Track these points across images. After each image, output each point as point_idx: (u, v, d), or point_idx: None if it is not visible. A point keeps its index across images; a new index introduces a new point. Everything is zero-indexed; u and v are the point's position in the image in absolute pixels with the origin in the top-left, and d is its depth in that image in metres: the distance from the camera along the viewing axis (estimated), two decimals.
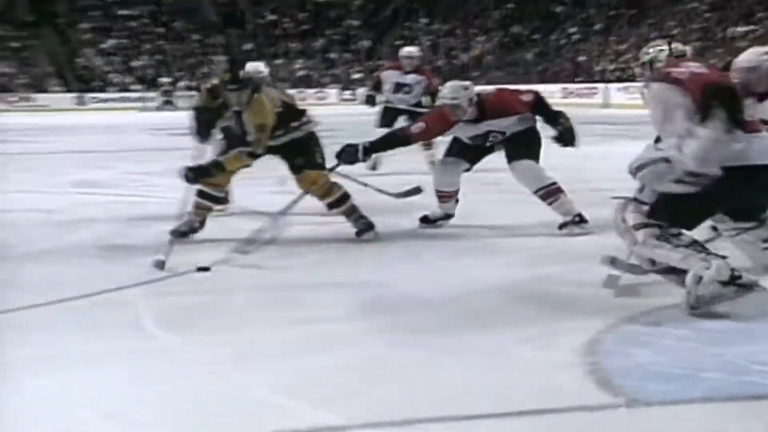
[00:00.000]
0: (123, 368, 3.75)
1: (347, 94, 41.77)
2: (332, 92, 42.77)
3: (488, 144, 6.87)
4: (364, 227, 6.59)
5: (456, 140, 7.02)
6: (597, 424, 3.18)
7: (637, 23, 38.98)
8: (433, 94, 10.94)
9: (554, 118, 6.72)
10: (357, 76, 44.06)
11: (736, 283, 4.32)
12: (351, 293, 5.01)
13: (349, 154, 6.45)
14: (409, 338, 4.13)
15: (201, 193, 6.49)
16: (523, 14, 45.26)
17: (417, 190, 7.23)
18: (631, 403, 3.30)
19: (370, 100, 12.14)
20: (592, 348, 3.88)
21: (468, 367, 3.72)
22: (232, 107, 6.36)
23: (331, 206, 6.62)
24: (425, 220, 7.03)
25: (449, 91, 6.67)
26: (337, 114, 24.89)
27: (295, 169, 6.57)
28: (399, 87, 11.50)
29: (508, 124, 6.72)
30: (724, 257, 4.40)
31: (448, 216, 7.02)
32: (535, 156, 6.79)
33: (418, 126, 6.85)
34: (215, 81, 6.72)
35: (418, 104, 11.21)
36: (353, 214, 6.60)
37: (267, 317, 4.56)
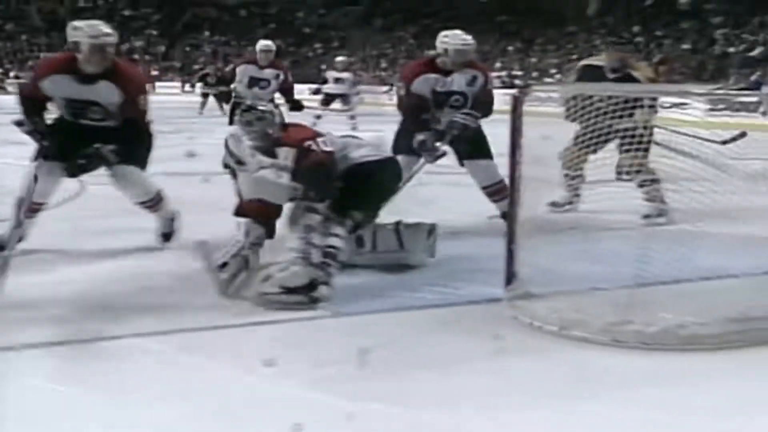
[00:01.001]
0: None
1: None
2: None
3: None
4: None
5: None
6: (314, 329, 3.37)
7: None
8: (288, 89, 8.87)
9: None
10: (155, 72, 42.56)
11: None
12: None
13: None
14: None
15: None
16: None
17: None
18: (335, 314, 3.49)
19: (222, 97, 9.13)
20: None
21: None
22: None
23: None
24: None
25: None
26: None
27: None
28: (255, 81, 8.71)
29: None
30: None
31: None
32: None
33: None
34: None
35: (272, 100, 8.10)
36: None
37: None
